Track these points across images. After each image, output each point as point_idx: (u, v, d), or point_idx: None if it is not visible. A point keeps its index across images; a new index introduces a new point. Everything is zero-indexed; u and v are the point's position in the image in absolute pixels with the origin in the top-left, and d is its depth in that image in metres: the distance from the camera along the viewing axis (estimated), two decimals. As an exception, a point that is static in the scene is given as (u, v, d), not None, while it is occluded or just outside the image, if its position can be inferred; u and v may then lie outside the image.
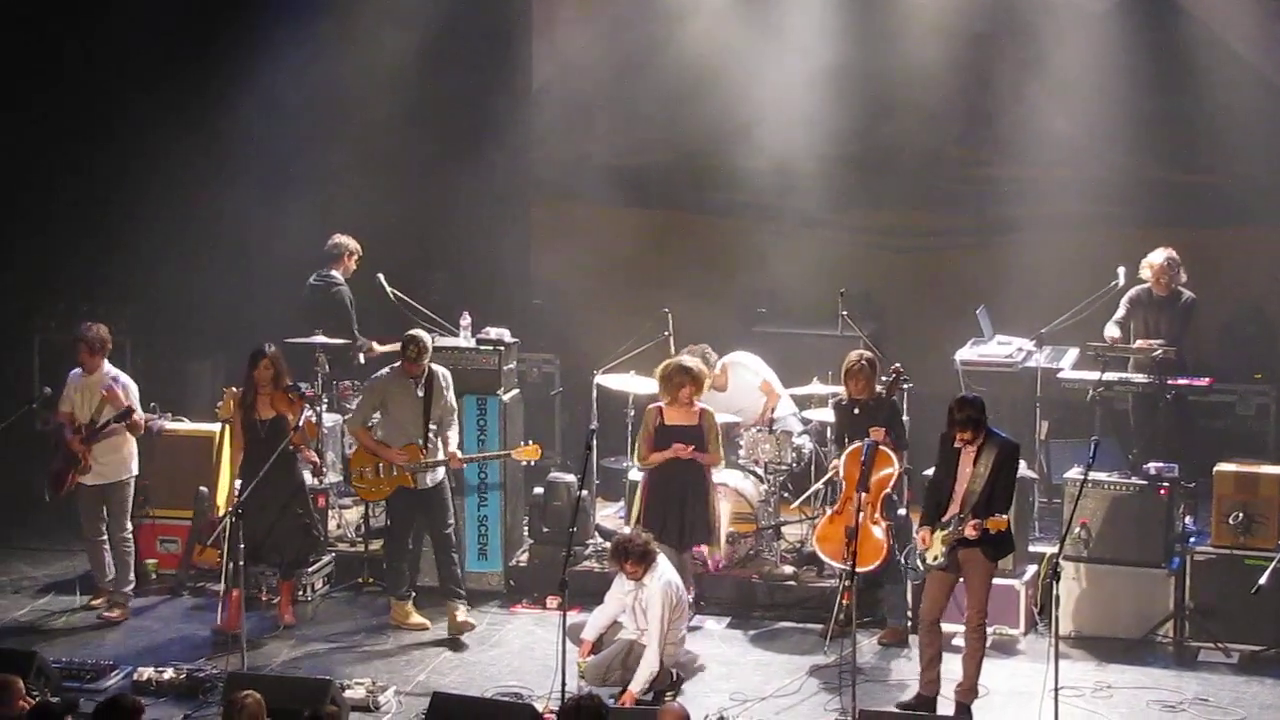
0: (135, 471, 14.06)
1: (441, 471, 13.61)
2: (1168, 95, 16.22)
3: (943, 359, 14.91)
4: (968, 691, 12.05)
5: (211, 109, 16.97)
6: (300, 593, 14.23)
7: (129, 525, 14.07)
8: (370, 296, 15.67)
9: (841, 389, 13.96)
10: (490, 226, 17.63)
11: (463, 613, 13.61)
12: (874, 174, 16.99)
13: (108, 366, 13.95)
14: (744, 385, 14.85)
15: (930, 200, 17.09)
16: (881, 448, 12.92)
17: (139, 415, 13.90)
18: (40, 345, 16.99)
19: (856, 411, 13.30)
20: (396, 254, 16.31)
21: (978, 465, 11.85)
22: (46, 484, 14.03)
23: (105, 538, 14.02)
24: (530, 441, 14.09)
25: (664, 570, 12.33)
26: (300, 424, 13.35)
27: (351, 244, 15.81)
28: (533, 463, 14.25)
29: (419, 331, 13.75)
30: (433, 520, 13.68)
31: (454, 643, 13.47)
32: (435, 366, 13.65)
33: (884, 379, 13.37)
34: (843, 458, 13.07)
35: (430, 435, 13.51)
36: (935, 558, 11.98)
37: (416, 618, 13.73)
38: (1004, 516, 11.77)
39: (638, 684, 12.15)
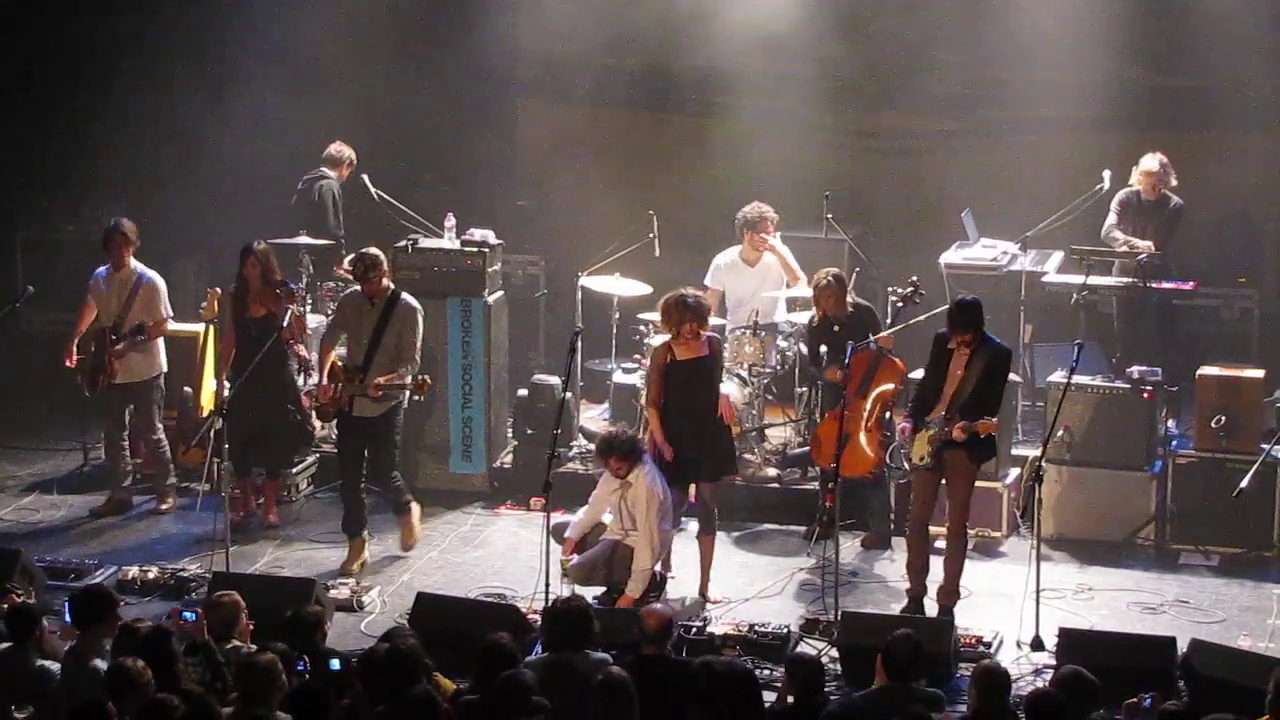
0: (164, 369, 14.05)
1: (391, 403, 13.01)
2: (1157, -2, 16.12)
3: (928, 262, 14.86)
4: (949, 594, 12.10)
5: (192, 6, 16.81)
6: (285, 493, 14.24)
7: (159, 425, 14.09)
8: (356, 198, 15.62)
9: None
10: (475, 127, 17.53)
11: (412, 518, 13.30)
12: (860, 76, 16.86)
13: (134, 262, 13.95)
14: (772, 276, 14.69)
15: (916, 102, 16.96)
16: (890, 358, 12.93)
17: (163, 319, 13.92)
18: (23, 244, 16.89)
19: (836, 329, 13.21)
20: (380, 155, 16.24)
21: (969, 368, 11.86)
22: (84, 380, 14.03)
23: (125, 441, 14.09)
24: (420, 375, 13.04)
25: (650, 468, 12.32)
26: (289, 320, 13.28)
27: (347, 152, 15.68)
28: (420, 398, 13.32)
29: (369, 249, 13.16)
30: (370, 452, 13.10)
31: (439, 544, 13.51)
32: (409, 299, 13.08)
33: (900, 290, 13.30)
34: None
35: (376, 364, 12.88)
36: (921, 458, 12.00)
37: (358, 559, 13.14)
38: (993, 419, 11.80)
39: (635, 588, 12.15)
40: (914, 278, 13.40)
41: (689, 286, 12.82)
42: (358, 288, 13.21)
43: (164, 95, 16.98)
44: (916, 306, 13.34)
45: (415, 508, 13.41)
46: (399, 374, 12.85)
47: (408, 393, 13.03)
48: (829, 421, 12.99)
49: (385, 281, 13.02)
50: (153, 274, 13.98)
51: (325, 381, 13.07)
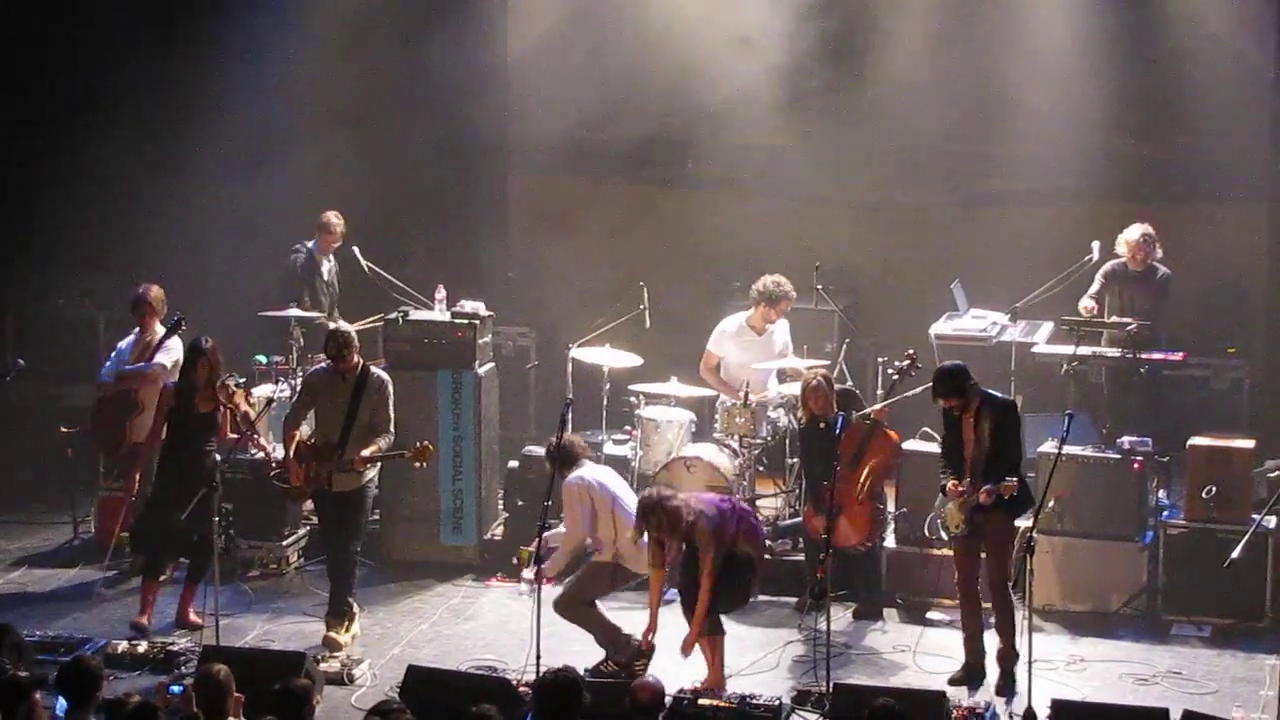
0: None
1: (368, 478, 13.06)
2: (1143, 70, 16.22)
3: (918, 333, 14.89)
4: (1007, 655, 12.12)
5: (180, 77, 16.89)
6: (274, 566, 14.26)
7: None
8: (346, 270, 15.66)
9: (816, 362, 13.98)
10: (466, 199, 17.58)
11: (342, 633, 12.90)
12: (848, 147, 16.94)
13: (159, 328, 14.17)
14: (777, 348, 14.75)
15: (905, 174, 17.05)
16: (884, 431, 12.97)
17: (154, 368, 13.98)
18: (14, 318, 16.89)
19: (823, 426, 13.19)
20: (372, 227, 16.26)
21: (978, 430, 11.98)
22: (101, 448, 14.33)
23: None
24: (422, 442, 13.11)
25: (582, 472, 12.56)
26: (254, 417, 13.30)
27: (329, 219, 15.68)
28: (422, 465, 13.36)
29: (339, 325, 13.26)
30: (339, 523, 13.07)
31: (430, 616, 13.49)
32: (379, 372, 13.15)
33: (897, 363, 13.33)
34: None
35: (353, 439, 12.84)
36: (958, 527, 12.08)
37: (341, 638, 12.90)
38: (1013, 480, 11.90)
39: (551, 568, 12.55)
40: (910, 350, 13.41)
41: (663, 488, 12.40)
42: (323, 365, 13.20)
43: (146, 166, 16.87)
44: (911, 379, 13.37)
45: (355, 625, 13.17)
46: (378, 446, 12.88)
47: (378, 466, 13.09)
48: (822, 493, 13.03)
49: (356, 357, 13.01)
50: (173, 340, 14.02)
51: (294, 461, 12.96)
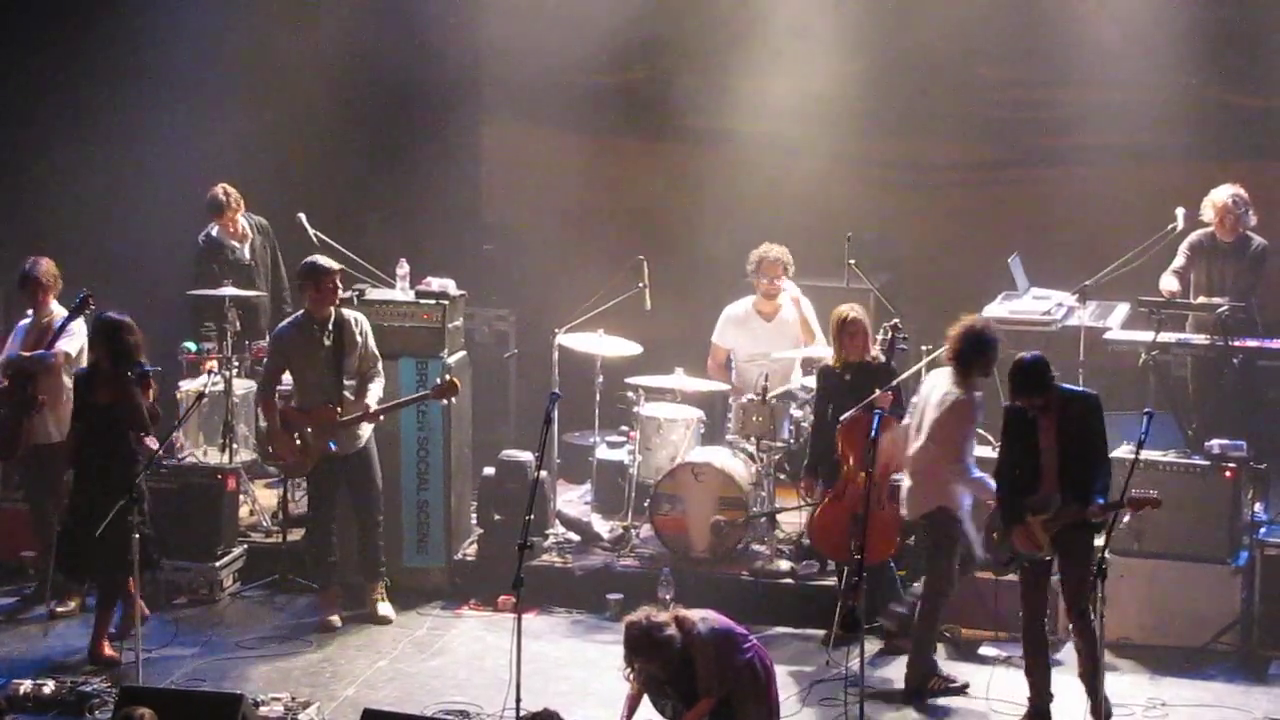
0: None
1: (368, 433, 13.68)
2: (1238, 4, 16.20)
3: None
4: (1098, 709, 12.02)
5: (113, 29, 16.98)
6: (206, 591, 14.25)
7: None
8: (291, 241, 15.64)
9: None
10: (433, 157, 17.56)
11: (383, 600, 13.90)
12: (889, 96, 16.94)
13: (55, 306, 14.18)
14: (790, 333, 14.84)
15: (956, 128, 17.06)
16: (890, 417, 12.95)
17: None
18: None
19: (848, 377, 13.28)
20: (322, 189, 16.26)
21: (1062, 433, 11.92)
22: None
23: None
24: (447, 375, 13.93)
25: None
26: (183, 416, 13.53)
27: (211, 194, 15.74)
28: (452, 400, 14.06)
29: (315, 257, 13.72)
30: (354, 490, 13.81)
31: (390, 651, 13.51)
32: (347, 312, 13.70)
33: (876, 337, 13.39)
34: (839, 430, 13.06)
35: (347, 392, 13.55)
36: (1042, 549, 12.00)
37: (336, 611, 13.90)
38: (1152, 492, 11.97)
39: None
40: (894, 320, 13.49)
41: (654, 612, 11.50)
42: (287, 321, 13.74)
43: (85, 133, 17.03)
44: (904, 353, 13.41)
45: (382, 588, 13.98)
46: (377, 393, 13.57)
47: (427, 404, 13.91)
48: (827, 506, 13.14)
49: (328, 290, 13.54)
50: (77, 323, 13.98)
51: (282, 431, 13.50)
